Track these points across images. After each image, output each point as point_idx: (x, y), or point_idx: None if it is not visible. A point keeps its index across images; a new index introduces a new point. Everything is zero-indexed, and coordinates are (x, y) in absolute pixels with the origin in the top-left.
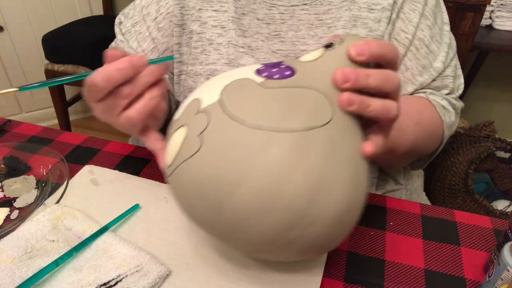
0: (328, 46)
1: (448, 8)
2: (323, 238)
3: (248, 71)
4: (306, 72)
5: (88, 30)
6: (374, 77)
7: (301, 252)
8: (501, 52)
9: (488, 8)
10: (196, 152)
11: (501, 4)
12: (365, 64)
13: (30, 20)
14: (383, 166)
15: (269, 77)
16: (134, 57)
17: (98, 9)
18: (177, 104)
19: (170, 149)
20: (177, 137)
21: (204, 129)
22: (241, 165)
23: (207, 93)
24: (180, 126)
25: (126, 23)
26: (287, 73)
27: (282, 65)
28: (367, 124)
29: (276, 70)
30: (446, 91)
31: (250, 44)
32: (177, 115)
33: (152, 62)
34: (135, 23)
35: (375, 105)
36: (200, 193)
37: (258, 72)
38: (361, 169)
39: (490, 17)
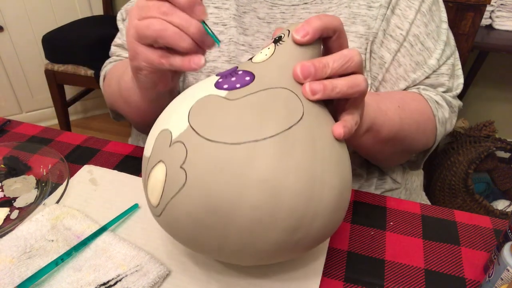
0: (277, 40)
1: (448, 8)
2: (325, 228)
3: (207, 87)
4: (265, 72)
5: (88, 30)
6: (332, 62)
7: (307, 247)
8: (501, 52)
9: (488, 8)
10: (183, 185)
11: (501, 4)
12: (317, 40)
13: (30, 20)
14: (377, 161)
15: (231, 88)
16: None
17: (98, 9)
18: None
19: (152, 188)
20: (157, 174)
21: (185, 160)
22: (233, 185)
23: (173, 122)
24: (157, 163)
25: (127, 17)
26: (247, 78)
27: (238, 71)
28: (340, 103)
29: (235, 79)
30: (441, 89)
31: (251, 43)
32: (147, 151)
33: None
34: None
35: (341, 85)
36: (199, 224)
37: (218, 85)
38: (343, 149)
39: (490, 17)
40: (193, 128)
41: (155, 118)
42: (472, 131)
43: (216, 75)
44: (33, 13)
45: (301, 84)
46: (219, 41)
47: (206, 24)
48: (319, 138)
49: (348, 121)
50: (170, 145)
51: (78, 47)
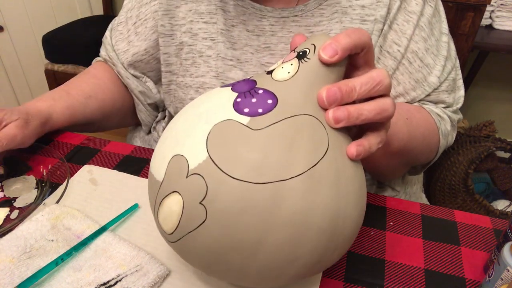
0: (301, 56)
1: (448, 8)
2: (341, 255)
3: (224, 107)
4: (288, 94)
5: (88, 30)
6: (359, 87)
7: (322, 271)
8: (501, 52)
9: (488, 8)
10: (203, 222)
11: (501, 4)
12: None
13: (30, 20)
14: (379, 175)
15: (253, 113)
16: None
17: (98, 9)
18: (168, 113)
19: (166, 217)
20: (172, 205)
21: (205, 196)
22: (257, 226)
23: (188, 147)
24: (172, 192)
25: (114, 21)
26: (270, 101)
27: (258, 89)
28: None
29: (256, 102)
30: (442, 105)
31: (239, 57)
32: (159, 174)
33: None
34: (120, 22)
35: (368, 112)
36: (218, 258)
37: (238, 108)
38: (362, 178)
39: (490, 17)
40: (213, 161)
41: (119, 119)
42: (472, 131)
43: (232, 90)
44: (33, 13)
45: (325, 109)
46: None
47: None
48: (342, 169)
49: (367, 140)
50: (187, 176)
51: (78, 47)
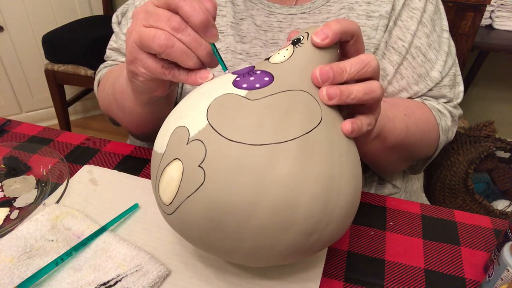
0: (296, 42)
1: (448, 8)
2: (337, 233)
3: (225, 85)
4: (283, 74)
5: (88, 30)
6: (349, 67)
7: (317, 250)
8: (501, 52)
9: (488, 8)
10: (201, 184)
11: (501, 4)
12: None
13: (30, 20)
14: (380, 170)
15: (250, 88)
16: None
17: (98, 9)
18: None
19: (166, 187)
20: (172, 172)
21: (204, 159)
22: (253, 187)
23: (190, 119)
24: (173, 160)
25: (118, 13)
26: (266, 79)
27: (256, 70)
28: (355, 107)
29: (254, 79)
30: (443, 100)
31: (248, 51)
32: (161, 147)
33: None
34: (131, 18)
35: (357, 91)
36: (214, 225)
37: (236, 84)
38: (356, 156)
39: (490, 17)
40: (212, 127)
41: (150, 126)
42: (472, 131)
43: (232, 73)
44: (33, 13)
45: (319, 87)
46: (226, 68)
47: (215, 48)
48: (336, 142)
49: (359, 119)
50: (187, 143)
51: (78, 47)
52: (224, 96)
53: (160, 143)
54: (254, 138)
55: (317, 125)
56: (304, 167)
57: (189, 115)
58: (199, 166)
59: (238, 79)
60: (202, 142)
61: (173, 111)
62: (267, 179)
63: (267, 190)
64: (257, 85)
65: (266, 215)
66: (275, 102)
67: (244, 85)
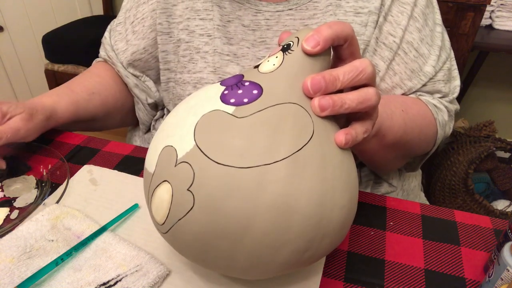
0: (285, 49)
1: (448, 8)
2: (332, 245)
3: (212, 99)
4: (273, 84)
5: (88, 30)
6: (342, 76)
7: (312, 262)
8: (501, 52)
9: (488, 8)
10: (191, 209)
11: (501, 4)
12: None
13: (30, 20)
14: (376, 168)
15: (238, 103)
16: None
17: (98, 9)
18: (167, 111)
19: (157, 207)
20: (162, 194)
21: (192, 182)
22: (243, 210)
23: (177, 138)
24: (162, 182)
25: (112, 23)
26: (255, 92)
27: (245, 81)
28: (351, 113)
29: (242, 93)
30: (438, 95)
31: (235, 52)
32: (151, 166)
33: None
34: (119, 23)
35: (350, 101)
36: (207, 246)
37: (224, 99)
38: (351, 166)
39: (490, 17)
40: (200, 149)
41: (115, 122)
42: (472, 131)
43: (221, 84)
44: (33, 13)
45: (310, 98)
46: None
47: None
48: (329, 156)
49: (354, 128)
50: (175, 165)
51: (78, 47)
52: (212, 113)
53: (150, 162)
54: (242, 161)
55: (308, 141)
56: (295, 187)
57: (176, 133)
58: (187, 189)
59: (226, 92)
60: (190, 165)
61: (161, 127)
62: (257, 202)
63: (258, 213)
64: (245, 100)
65: (257, 238)
66: (263, 119)
67: (232, 100)
